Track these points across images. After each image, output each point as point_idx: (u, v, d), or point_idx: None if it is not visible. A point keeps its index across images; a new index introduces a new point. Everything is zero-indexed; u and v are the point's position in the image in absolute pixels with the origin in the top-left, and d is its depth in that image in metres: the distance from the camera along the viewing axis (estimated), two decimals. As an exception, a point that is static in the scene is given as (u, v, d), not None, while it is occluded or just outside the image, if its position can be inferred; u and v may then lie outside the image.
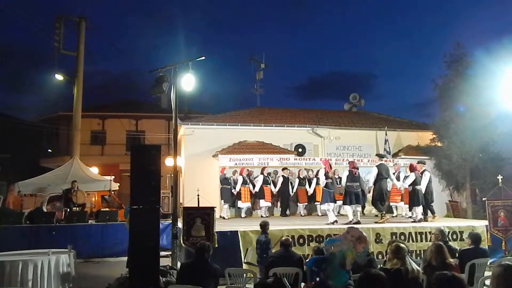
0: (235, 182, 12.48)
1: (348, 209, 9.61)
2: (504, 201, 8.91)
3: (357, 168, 9.85)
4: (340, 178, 10.62)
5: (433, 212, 10.20)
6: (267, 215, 12.54)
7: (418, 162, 10.40)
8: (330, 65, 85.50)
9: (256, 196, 12.58)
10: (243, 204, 12.40)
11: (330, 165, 10.25)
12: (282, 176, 12.83)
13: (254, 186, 12.56)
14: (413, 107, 64.62)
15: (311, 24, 76.87)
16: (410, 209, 10.05)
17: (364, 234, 3.66)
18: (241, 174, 12.60)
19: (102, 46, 46.19)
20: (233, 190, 12.41)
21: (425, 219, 9.74)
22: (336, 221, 9.11)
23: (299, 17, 77.72)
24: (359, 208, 9.50)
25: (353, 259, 3.42)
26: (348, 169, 9.77)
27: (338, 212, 11.42)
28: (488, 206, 8.89)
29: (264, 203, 12.57)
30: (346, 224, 8.94)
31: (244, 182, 12.43)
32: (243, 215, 12.44)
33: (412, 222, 9.48)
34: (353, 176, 9.51)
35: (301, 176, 12.97)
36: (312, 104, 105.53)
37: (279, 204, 12.94)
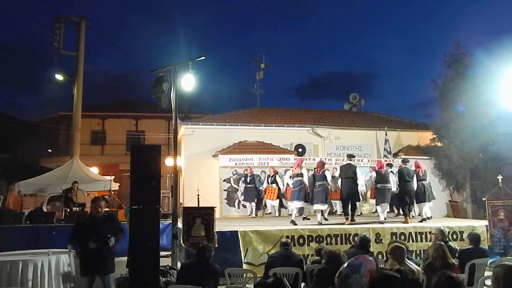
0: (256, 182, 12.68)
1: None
2: (504, 201, 8.91)
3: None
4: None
5: (405, 214, 9.65)
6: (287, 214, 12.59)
7: (402, 161, 10.36)
8: (330, 65, 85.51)
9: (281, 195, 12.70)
10: (273, 202, 12.58)
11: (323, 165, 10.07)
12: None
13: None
14: (413, 107, 64.77)
15: (311, 24, 76.94)
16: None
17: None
18: (275, 173, 12.65)
19: (102, 46, 46.15)
20: (261, 188, 12.60)
21: (406, 221, 9.35)
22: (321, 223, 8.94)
23: (299, 17, 77.80)
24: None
25: None
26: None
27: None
28: (488, 206, 8.89)
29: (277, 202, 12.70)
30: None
31: (272, 182, 12.55)
32: (268, 211, 12.65)
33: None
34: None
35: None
36: (312, 104, 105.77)
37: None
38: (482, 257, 5.74)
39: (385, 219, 9.35)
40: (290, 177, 9.78)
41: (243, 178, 12.91)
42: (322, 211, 9.32)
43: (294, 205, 9.39)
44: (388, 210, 9.56)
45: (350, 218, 9.20)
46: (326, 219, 9.05)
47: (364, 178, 10.03)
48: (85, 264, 5.63)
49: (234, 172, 13.35)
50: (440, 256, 4.66)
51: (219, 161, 13.62)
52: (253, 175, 12.77)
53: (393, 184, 9.67)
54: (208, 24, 74.43)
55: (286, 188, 12.13)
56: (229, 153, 13.86)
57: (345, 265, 3.59)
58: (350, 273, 3.46)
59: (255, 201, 12.65)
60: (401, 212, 10.22)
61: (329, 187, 9.32)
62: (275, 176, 12.53)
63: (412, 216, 10.08)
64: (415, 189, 9.81)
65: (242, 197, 12.90)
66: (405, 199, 9.73)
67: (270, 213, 12.72)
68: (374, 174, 9.77)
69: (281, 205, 12.62)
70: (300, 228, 8.40)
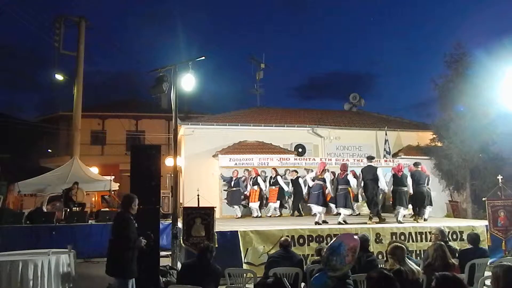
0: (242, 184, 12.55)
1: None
2: (504, 201, 8.91)
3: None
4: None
5: (420, 214, 9.92)
6: (270, 215, 12.47)
7: (414, 164, 10.39)
8: (330, 65, 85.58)
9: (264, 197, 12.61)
10: (254, 204, 12.45)
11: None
12: (291, 179, 12.74)
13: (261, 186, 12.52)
14: (413, 107, 64.82)
15: (311, 24, 76.99)
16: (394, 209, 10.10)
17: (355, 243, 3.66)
18: (257, 175, 12.56)
19: (102, 46, 46.34)
20: (246, 192, 12.48)
21: (416, 220, 9.68)
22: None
23: (299, 17, 77.80)
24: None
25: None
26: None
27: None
28: (488, 206, 8.89)
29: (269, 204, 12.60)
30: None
31: (254, 184, 12.43)
32: (254, 214, 12.45)
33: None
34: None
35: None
36: (312, 104, 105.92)
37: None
38: (482, 257, 5.74)
39: (400, 222, 9.29)
40: (312, 179, 9.79)
41: (226, 181, 12.77)
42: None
43: (315, 210, 9.49)
44: (405, 213, 9.65)
45: (378, 217, 9.36)
46: (346, 222, 9.08)
47: (385, 179, 10.07)
48: (132, 265, 5.25)
49: (221, 176, 13.18)
50: (440, 256, 4.66)
51: (219, 161, 13.61)
52: (237, 179, 12.55)
53: (409, 187, 9.74)
54: (208, 24, 74.49)
55: (269, 189, 12.39)
56: (229, 153, 13.86)
57: (327, 247, 3.58)
58: (331, 255, 3.44)
59: (241, 203, 12.53)
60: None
61: (350, 190, 9.42)
62: (257, 178, 12.44)
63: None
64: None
65: (226, 201, 12.82)
66: (415, 201, 9.83)
67: (259, 216, 12.49)
68: (391, 176, 9.84)
69: (260, 206, 12.50)
70: (300, 228, 8.40)
